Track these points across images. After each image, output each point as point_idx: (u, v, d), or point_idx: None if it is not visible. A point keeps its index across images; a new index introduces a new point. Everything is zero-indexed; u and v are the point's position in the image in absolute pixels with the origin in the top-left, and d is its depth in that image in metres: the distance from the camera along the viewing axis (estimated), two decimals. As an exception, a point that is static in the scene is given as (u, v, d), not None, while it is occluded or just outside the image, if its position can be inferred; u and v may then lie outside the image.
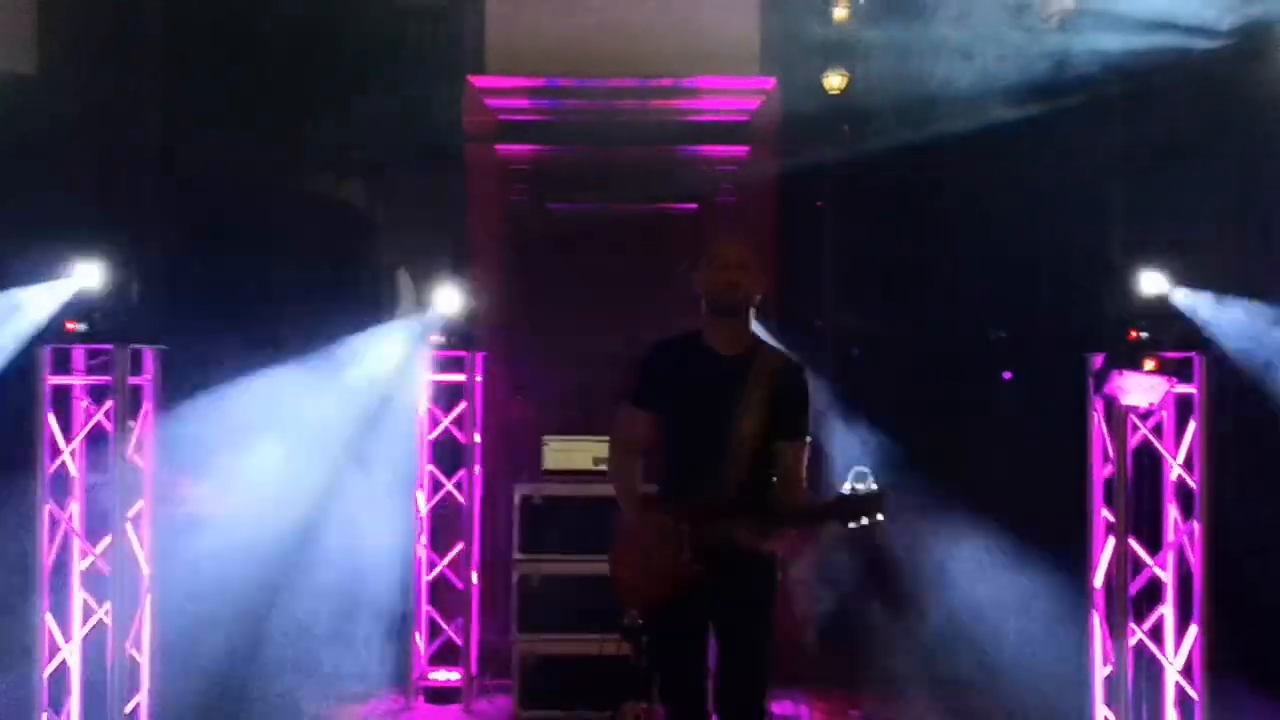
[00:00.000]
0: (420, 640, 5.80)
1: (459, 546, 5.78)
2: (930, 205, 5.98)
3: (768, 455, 3.51)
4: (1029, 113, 5.75)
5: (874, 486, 3.10)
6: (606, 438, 5.68)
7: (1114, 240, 5.36)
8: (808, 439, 3.57)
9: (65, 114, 5.02)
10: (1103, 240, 5.46)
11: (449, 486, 5.83)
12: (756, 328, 3.76)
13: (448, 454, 5.90)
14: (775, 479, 3.56)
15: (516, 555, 5.54)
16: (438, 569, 5.82)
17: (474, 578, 5.76)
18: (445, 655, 5.86)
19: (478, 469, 5.79)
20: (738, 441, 3.51)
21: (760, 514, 3.45)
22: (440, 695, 5.72)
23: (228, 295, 5.76)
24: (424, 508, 5.81)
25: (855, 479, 3.14)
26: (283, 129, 5.95)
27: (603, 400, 5.96)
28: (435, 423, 5.84)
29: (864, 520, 3.12)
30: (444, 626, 5.84)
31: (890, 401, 6.19)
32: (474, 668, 5.72)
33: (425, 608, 5.83)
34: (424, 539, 5.80)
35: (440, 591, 5.87)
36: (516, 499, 5.57)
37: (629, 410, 3.82)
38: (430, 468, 5.84)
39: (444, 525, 5.87)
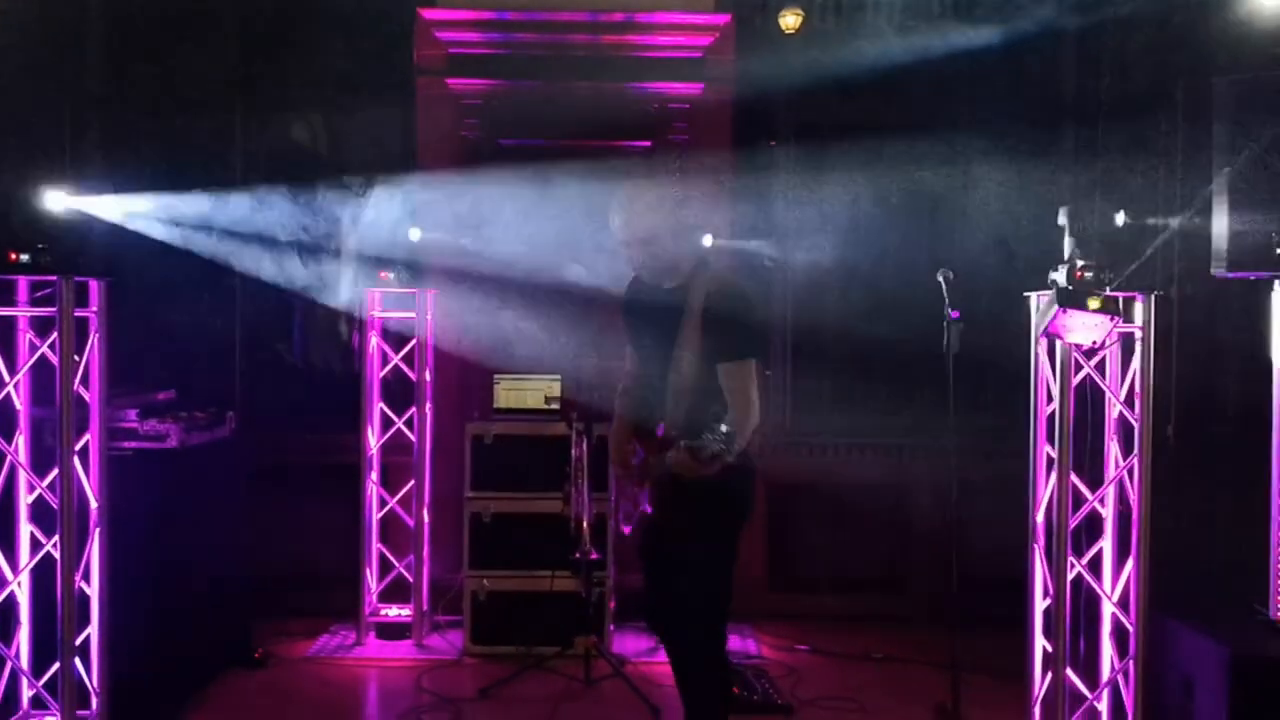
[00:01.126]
0: (371, 577, 5.81)
1: (410, 484, 5.78)
2: (883, 145, 5.99)
3: (710, 385, 3.53)
4: (984, 52, 5.79)
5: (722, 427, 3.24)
6: (556, 376, 5.78)
7: (1064, 180, 5.43)
8: (750, 358, 3.58)
9: (13, 46, 4.88)
10: (1053, 180, 5.53)
11: (399, 424, 5.82)
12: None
13: (398, 392, 5.89)
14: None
15: (467, 493, 5.57)
16: (388, 507, 5.82)
17: (425, 515, 5.77)
18: (396, 592, 5.88)
19: (429, 406, 5.78)
20: (676, 374, 3.58)
21: (674, 446, 3.47)
22: (391, 631, 5.75)
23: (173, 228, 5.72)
24: (374, 445, 5.80)
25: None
26: (233, 63, 5.84)
27: (554, 338, 6.01)
28: (385, 360, 5.81)
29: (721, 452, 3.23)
30: (395, 563, 5.86)
31: (841, 339, 6.27)
32: (425, 604, 5.75)
33: (376, 545, 5.84)
34: (374, 476, 5.79)
35: (391, 529, 5.88)
36: (467, 437, 5.60)
37: (628, 351, 4.02)
38: (380, 405, 5.81)
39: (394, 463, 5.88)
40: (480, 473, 5.55)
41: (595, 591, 5.31)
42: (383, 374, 5.81)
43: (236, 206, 6.17)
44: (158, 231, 5.80)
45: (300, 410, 6.42)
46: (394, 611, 5.82)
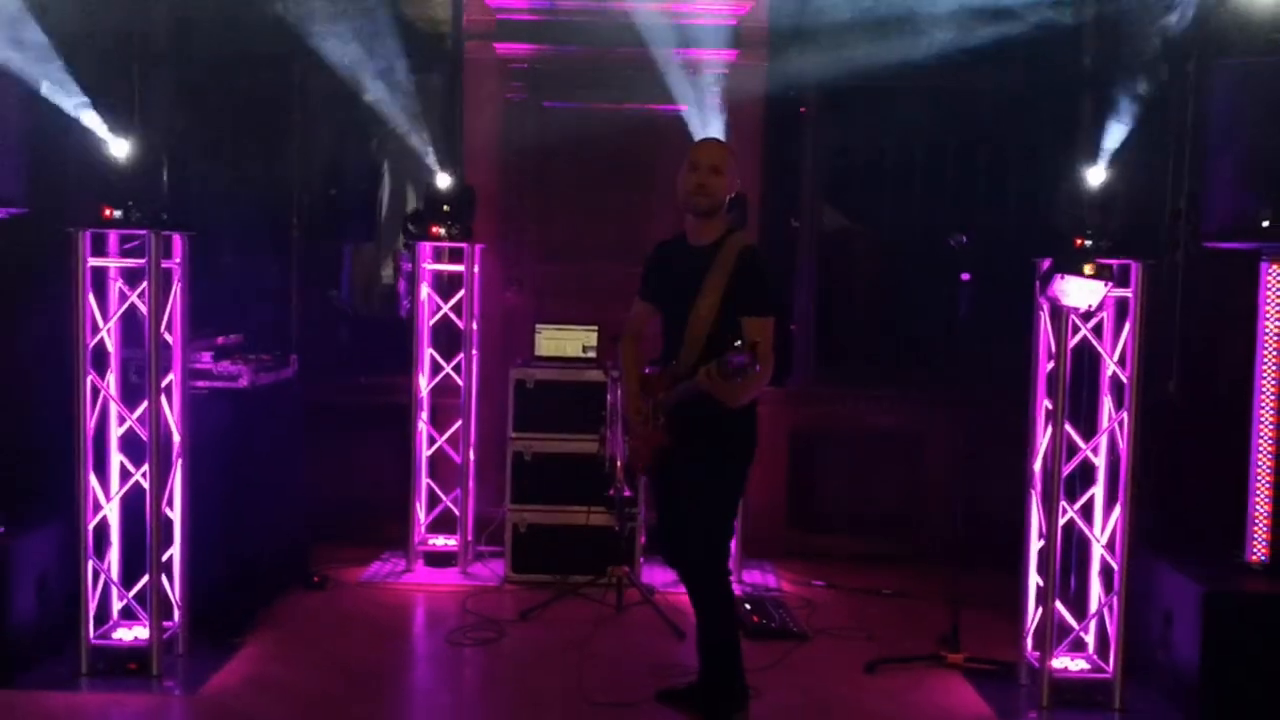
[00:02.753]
0: (420, 509, 6.27)
1: (457, 424, 6.22)
2: (908, 114, 6.31)
3: (725, 333, 3.89)
4: (1007, 23, 6.07)
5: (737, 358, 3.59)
6: (594, 327, 6.19)
7: (1076, 150, 5.72)
8: (769, 316, 3.97)
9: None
10: (1066, 150, 5.83)
11: (448, 369, 6.25)
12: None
13: (446, 339, 6.32)
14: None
15: (510, 434, 6.00)
16: (437, 444, 6.27)
17: (470, 454, 6.21)
18: (443, 524, 6.34)
19: (474, 353, 6.20)
20: (695, 317, 3.98)
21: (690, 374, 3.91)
22: (439, 559, 6.22)
23: (232, 190, 6.14)
24: (424, 388, 6.23)
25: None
26: (284, 31, 6.18)
27: (592, 291, 6.41)
28: (435, 309, 6.23)
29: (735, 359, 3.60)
30: (442, 497, 6.31)
31: (860, 298, 6.64)
32: (469, 535, 6.21)
33: (425, 480, 6.29)
34: (424, 416, 6.23)
35: (439, 465, 6.33)
36: (511, 381, 6.02)
37: (635, 302, 4.38)
38: (430, 351, 6.24)
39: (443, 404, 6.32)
40: (522, 415, 5.99)
41: (627, 526, 5.74)
42: (432, 322, 6.22)
43: (293, 160, 6.60)
44: (221, 182, 6.24)
45: (350, 355, 6.89)
46: (441, 541, 6.27)
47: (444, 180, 6.10)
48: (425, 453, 6.26)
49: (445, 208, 6.05)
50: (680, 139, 6.44)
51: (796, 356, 6.68)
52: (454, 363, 6.21)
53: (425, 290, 6.16)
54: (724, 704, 4.14)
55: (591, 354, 6.11)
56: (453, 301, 6.19)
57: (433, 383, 6.23)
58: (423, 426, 6.21)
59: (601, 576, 5.73)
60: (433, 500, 6.32)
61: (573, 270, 6.57)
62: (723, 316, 3.98)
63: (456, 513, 6.24)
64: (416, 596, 5.81)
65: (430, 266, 6.20)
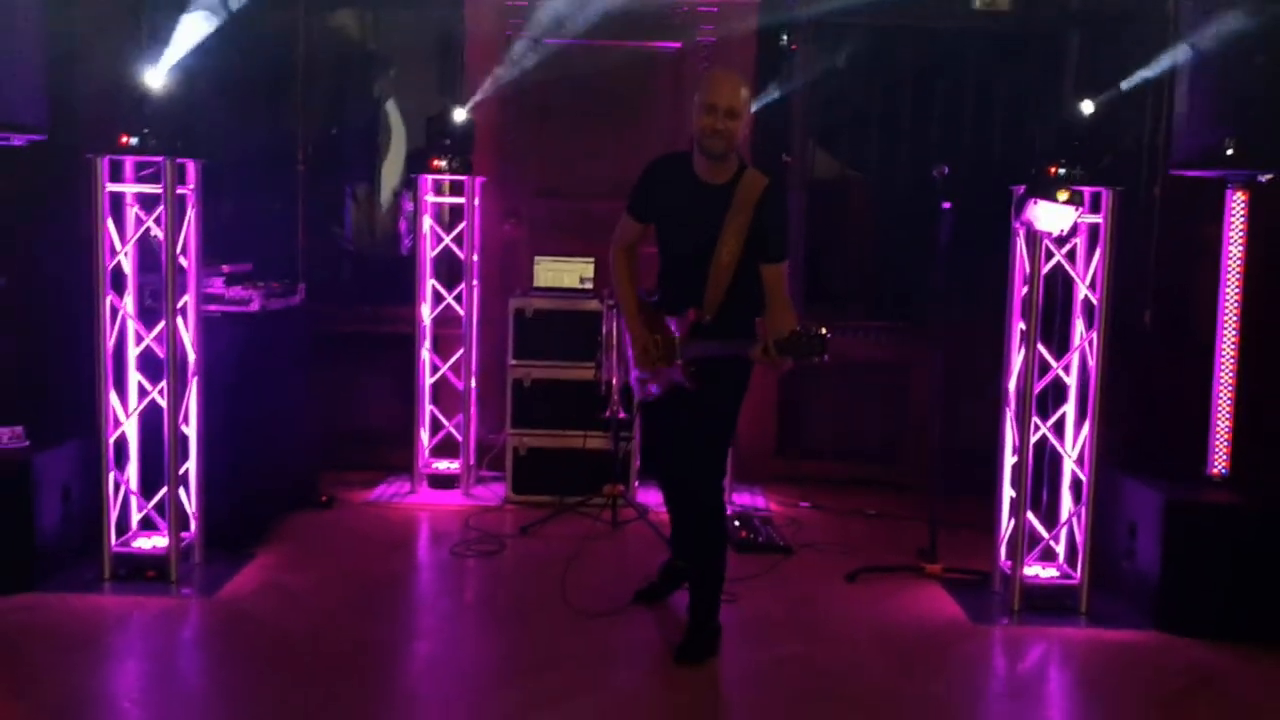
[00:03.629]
0: (424, 434, 6.51)
1: (459, 352, 6.45)
2: (899, 52, 6.49)
3: (745, 276, 4.04)
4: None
5: (821, 331, 3.70)
6: (590, 260, 6.40)
7: (1062, 87, 5.90)
8: (786, 259, 4.13)
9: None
10: (1053, 87, 6.01)
11: (449, 299, 6.47)
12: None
13: (447, 272, 6.54)
14: (765, 299, 4.11)
15: (510, 361, 6.24)
16: (440, 372, 6.50)
17: (472, 381, 6.45)
18: (445, 450, 6.58)
19: (475, 284, 6.42)
20: (716, 266, 4.05)
21: (730, 338, 4.07)
22: (442, 481, 6.47)
23: (241, 119, 6.31)
24: (427, 318, 6.45)
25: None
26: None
27: (589, 226, 6.61)
28: (437, 241, 6.44)
29: (810, 356, 3.72)
30: (445, 423, 6.55)
31: (848, 233, 6.85)
32: (471, 458, 6.47)
33: (428, 406, 6.53)
34: (426, 345, 6.46)
35: (441, 393, 6.56)
36: (510, 311, 6.25)
37: (626, 217, 4.40)
38: (432, 282, 6.46)
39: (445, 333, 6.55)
40: (522, 343, 6.22)
41: (622, 447, 5.99)
42: (434, 254, 6.43)
43: (298, 98, 6.77)
44: (228, 119, 6.40)
45: (353, 289, 7.11)
46: (444, 465, 6.52)
47: (445, 116, 6.28)
48: (428, 380, 6.48)
49: (446, 141, 6.23)
50: (673, 77, 6.66)
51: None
52: (455, 293, 6.42)
53: (428, 222, 6.36)
54: (704, 638, 4.27)
55: (588, 285, 6.33)
56: (454, 233, 6.40)
57: (435, 313, 6.45)
58: (426, 355, 6.43)
59: (598, 496, 5.98)
60: (435, 427, 6.55)
61: (569, 206, 6.77)
62: (745, 261, 4.04)
63: (459, 438, 6.48)
64: (421, 515, 6.07)
65: (432, 199, 6.40)
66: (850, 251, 7.14)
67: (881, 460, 6.93)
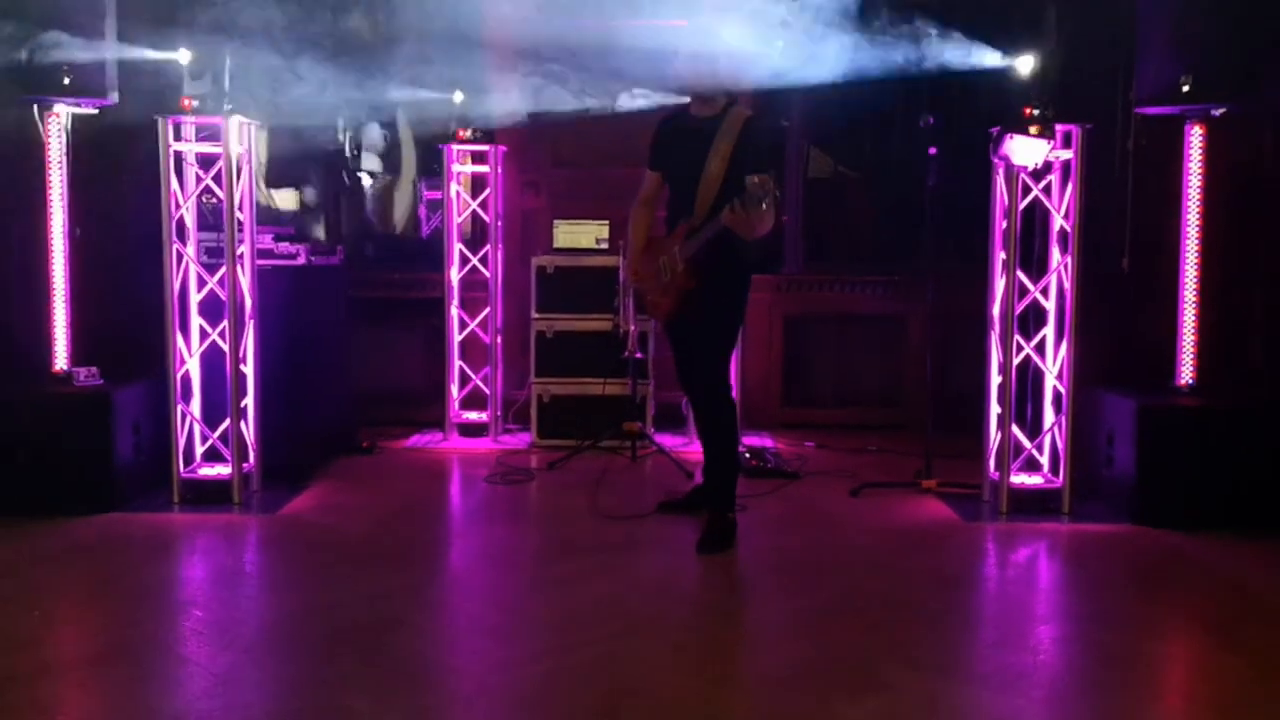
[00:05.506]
0: (454, 388, 6.99)
1: (484, 311, 6.94)
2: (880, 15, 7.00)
3: (730, 189, 4.55)
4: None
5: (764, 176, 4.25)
6: (605, 221, 6.88)
7: (1041, 34, 6.35)
8: (770, 173, 4.63)
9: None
10: (1019, 31, 6.47)
11: (474, 261, 6.96)
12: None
13: (470, 241, 7.03)
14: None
15: (533, 314, 6.73)
16: (468, 329, 6.98)
17: (498, 337, 6.93)
18: (472, 402, 7.06)
19: (499, 247, 6.91)
20: (706, 179, 4.66)
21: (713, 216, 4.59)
22: (472, 430, 6.95)
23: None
24: (455, 279, 6.94)
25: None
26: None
27: (602, 194, 7.10)
28: (464, 207, 6.94)
29: (765, 195, 4.24)
30: (472, 376, 7.03)
31: (849, 186, 7.33)
32: (498, 408, 6.95)
33: (457, 361, 7.01)
34: (455, 303, 6.95)
35: (468, 350, 7.04)
36: (533, 268, 6.74)
37: (645, 174, 5.04)
38: (459, 246, 6.95)
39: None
40: (544, 297, 6.71)
41: (639, 389, 6.46)
42: (460, 220, 6.92)
43: (323, 80, 7.24)
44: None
45: (377, 262, 7.60)
46: (473, 415, 7.00)
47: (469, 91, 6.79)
48: (457, 337, 6.96)
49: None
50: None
51: (787, 246, 7.38)
52: (479, 255, 6.91)
53: (454, 188, 6.86)
54: (721, 529, 4.78)
55: (604, 245, 6.82)
56: (479, 200, 6.90)
57: (461, 273, 6.94)
58: (455, 312, 6.92)
59: (619, 433, 6.44)
60: (463, 381, 7.03)
61: (583, 175, 7.27)
62: (730, 176, 4.61)
63: (486, 391, 6.96)
64: (455, 457, 6.54)
65: (458, 168, 6.90)
66: (846, 205, 7.61)
67: (882, 405, 7.40)
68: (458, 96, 6.73)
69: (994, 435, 5.45)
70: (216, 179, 5.31)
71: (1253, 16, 5.07)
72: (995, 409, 5.44)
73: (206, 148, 5.32)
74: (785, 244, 7.37)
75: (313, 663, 3.55)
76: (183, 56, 5.25)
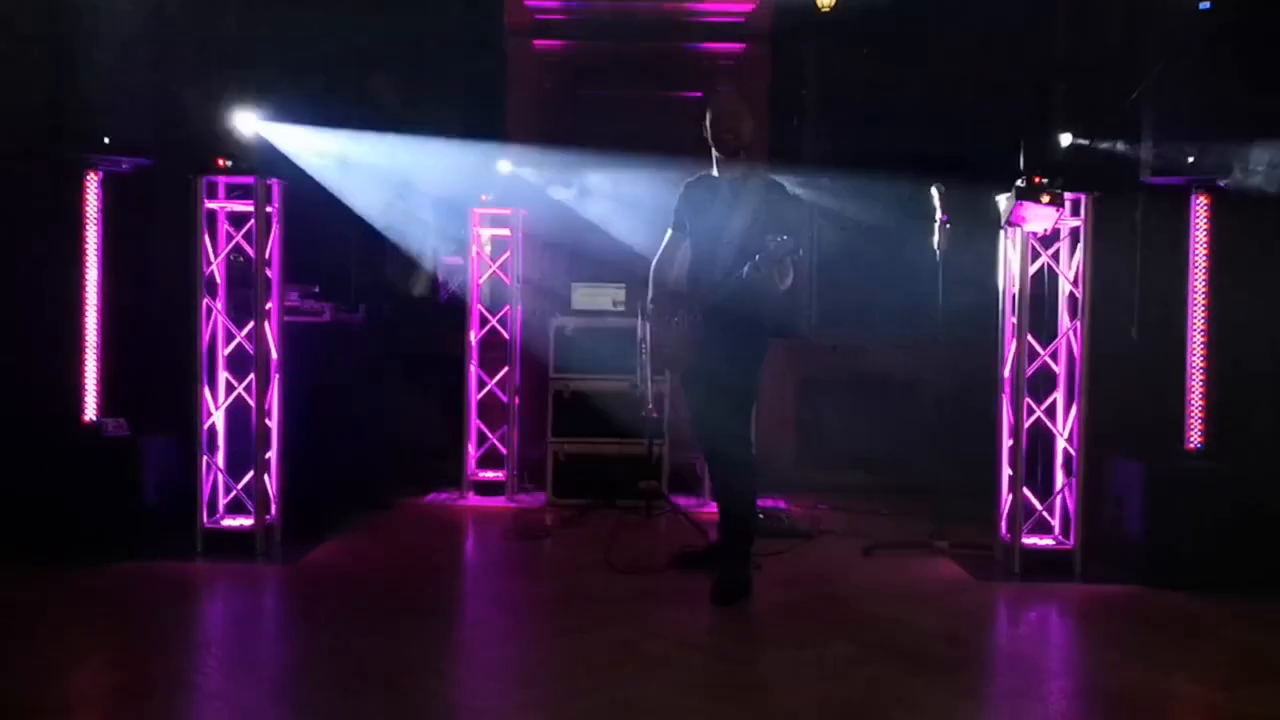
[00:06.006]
0: (471, 446, 7.09)
1: (503, 370, 7.06)
2: (895, 95, 7.20)
3: (755, 247, 4.68)
4: (978, 12, 6.94)
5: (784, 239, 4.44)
6: (622, 284, 7.02)
7: (1040, 107, 6.54)
8: (790, 234, 4.77)
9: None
10: (1029, 106, 6.67)
11: (493, 322, 7.09)
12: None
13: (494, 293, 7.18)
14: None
15: (551, 374, 6.85)
16: (487, 388, 7.10)
17: (515, 398, 7.04)
18: (488, 461, 7.15)
19: (519, 307, 7.05)
20: (729, 237, 4.81)
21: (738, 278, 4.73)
22: (488, 488, 7.03)
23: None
24: (474, 339, 7.07)
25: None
26: (358, 33, 7.09)
27: (619, 258, 7.24)
28: (484, 268, 7.09)
29: (787, 253, 4.47)
30: (489, 435, 7.13)
31: (860, 253, 7.48)
32: (515, 468, 7.04)
33: (475, 421, 7.11)
34: (475, 363, 7.07)
35: (484, 409, 7.15)
36: (551, 329, 6.87)
37: (668, 233, 5.18)
38: (479, 306, 7.09)
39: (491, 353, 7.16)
40: (562, 357, 6.83)
41: (655, 449, 6.55)
42: (481, 280, 7.07)
43: (351, 148, 7.44)
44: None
45: (396, 318, 7.72)
46: (489, 474, 7.09)
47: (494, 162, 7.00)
48: (476, 396, 7.07)
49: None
50: (695, 122, 7.33)
51: (801, 311, 7.51)
52: (499, 316, 7.05)
53: (475, 250, 7.02)
54: (737, 582, 4.86)
55: (620, 307, 6.95)
56: (500, 261, 7.05)
57: (481, 333, 7.07)
58: (474, 371, 7.04)
59: (634, 493, 6.51)
60: (481, 439, 7.12)
61: (602, 235, 7.42)
62: (752, 234, 4.75)
63: (503, 450, 7.05)
64: (471, 514, 6.62)
65: (480, 231, 7.06)
66: (860, 273, 7.73)
67: (895, 467, 7.45)
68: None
69: (1005, 497, 5.52)
70: (246, 236, 5.46)
71: (1259, 83, 5.23)
72: (1006, 471, 5.52)
73: (238, 206, 5.48)
74: (799, 307, 7.50)
75: (336, 701, 3.62)
76: (218, 117, 5.44)
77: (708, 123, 5.01)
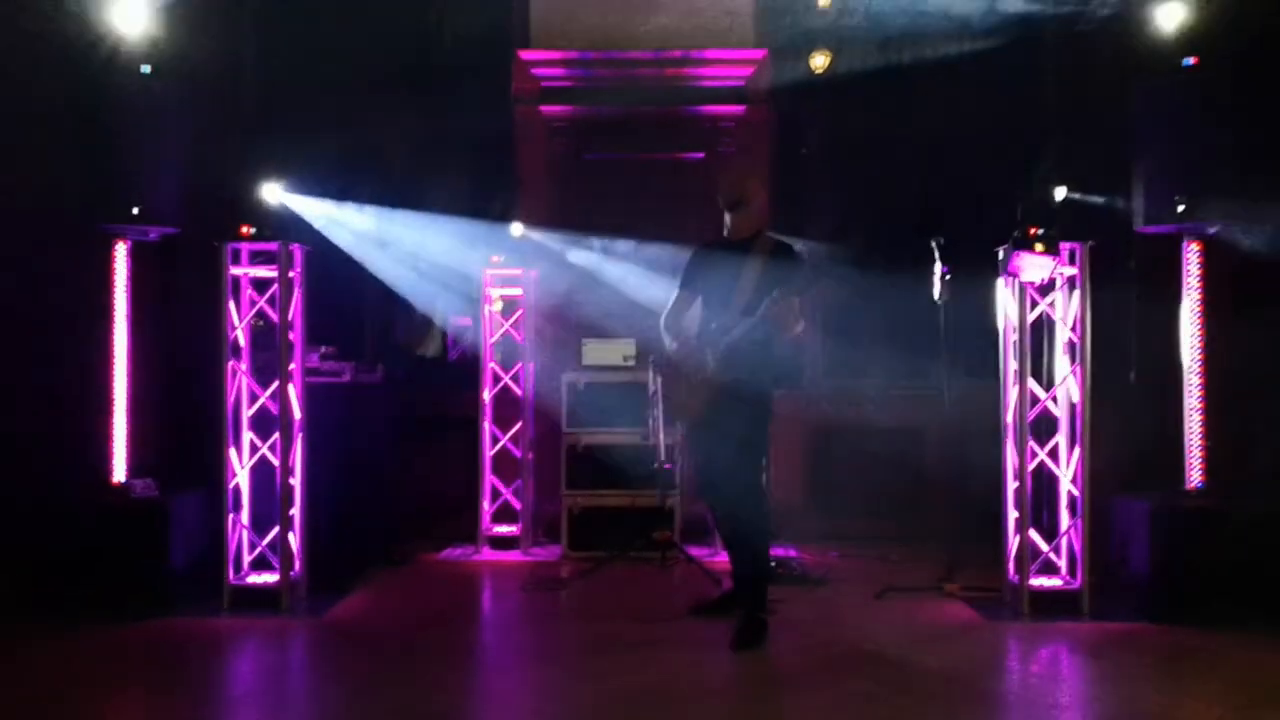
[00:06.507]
0: (486, 502, 7.22)
1: (517, 425, 7.21)
2: (893, 150, 7.43)
3: (759, 304, 4.89)
4: (970, 69, 7.19)
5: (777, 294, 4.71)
6: (632, 340, 7.19)
7: (1033, 162, 6.76)
8: (798, 295, 4.95)
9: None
10: (1023, 161, 6.88)
11: (506, 380, 7.26)
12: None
13: (506, 352, 7.35)
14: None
15: (565, 429, 7.00)
16: (500, 444, 7.25)
17: (529, 453, 7.19)
18: (502, 516, 7.27)
19: (531, 364, 7.22)
20: (738, 291, 5.00)
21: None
22: (502, 543, 7.15)
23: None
24: (488, 396, 7.23)
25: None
26: (372, 104, 7.35)
27: (628, 314, 7.43)
28: (497, 327, 7.28)
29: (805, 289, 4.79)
30: (503, 491, 7.26)
31: (865, 309, 7.66)
32: (529, 522, 7.17)
33: (489, 477, 7.26)
34: (489, 420, 7.22)
35: (498, 464, 7.29)
36: (563, 384, 7.04)
37: (676, 291, 5.35)
38: (492, 365, 7.26)
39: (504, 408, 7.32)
40: (574, 412, 6.99)
41: (669, 498, 6.68)
42: (493, 340, 7.25)
43: (366, 214, 7.66)
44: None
45: (409, 378, 7.89)
46: (504, 529, 7.21)
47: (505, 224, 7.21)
48: (490, 452, 7.22)
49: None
50: (699, 182, 7.57)
51: (807, 362, 7.66)
52: (511, 373, 7.22)
53: (488, 309, 7.20)
54: (755, 627, 5.00)
55: (630, 362, 7.12)
56: (512, 320, 7.24)
57: (494, 390, 7.23)
58: (488, 427, 7.19)
59: (649, 544, 6.64)
60: (494, 495, 7.26)
61: (611, 292, 7.62)
62: (760, 289, 4.97)
63: (517, 505, 7.19)
64: (487, 569, 6.75)
65: (492, 291, 7.25)
66: (863, 325, 7.91)
67: (903, 515, 7.58)
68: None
69: (1013, 539, 5.65)
70: (269, 300, 5.65)
71: (1242, 135, 5.44)
72: (1013, 513, 5.66)
73: (262, 272, 5.67)
74: (806, 359, 7.66)
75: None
76: (242, 186, 5.65)
77: (719, 190, 5.27)
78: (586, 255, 7.55)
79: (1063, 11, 6.70)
